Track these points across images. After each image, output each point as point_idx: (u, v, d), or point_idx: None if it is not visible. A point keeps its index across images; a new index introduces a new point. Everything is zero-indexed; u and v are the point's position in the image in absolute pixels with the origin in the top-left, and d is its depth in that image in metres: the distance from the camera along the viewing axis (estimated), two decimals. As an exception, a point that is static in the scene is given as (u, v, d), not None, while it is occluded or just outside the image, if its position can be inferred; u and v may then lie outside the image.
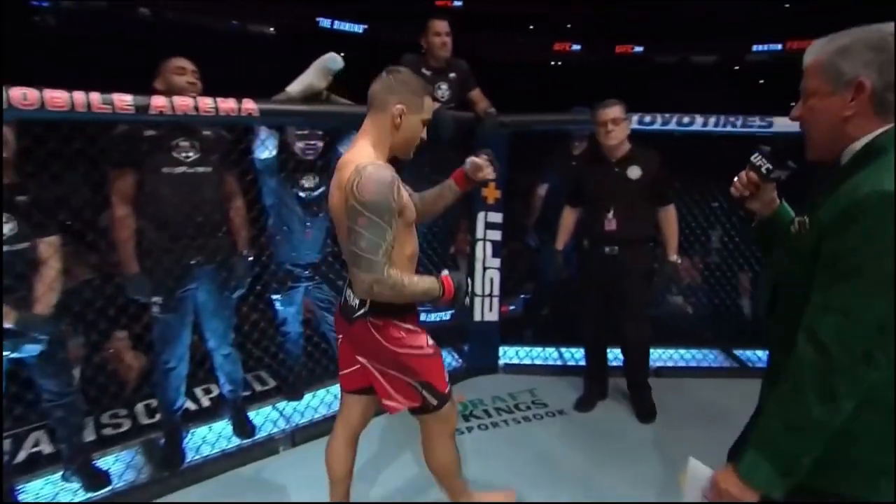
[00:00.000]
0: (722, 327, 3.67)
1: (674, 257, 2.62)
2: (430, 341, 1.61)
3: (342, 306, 1.62)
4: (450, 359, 3.20)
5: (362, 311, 1.51)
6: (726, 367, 3.29)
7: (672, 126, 2.83)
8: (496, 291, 2.96)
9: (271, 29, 20.91)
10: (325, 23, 21.97)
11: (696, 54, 24.11)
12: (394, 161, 1.51)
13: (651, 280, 2.64)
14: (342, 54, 2.27)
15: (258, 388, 2.92)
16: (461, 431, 2.57)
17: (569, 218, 2.79)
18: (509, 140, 2.83)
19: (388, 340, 1.51)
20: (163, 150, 2.09)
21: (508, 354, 3.28)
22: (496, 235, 2.93)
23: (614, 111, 2.47)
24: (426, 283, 1.46)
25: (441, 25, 2.81)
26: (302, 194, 2.50)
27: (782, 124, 2.90)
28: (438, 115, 2.45)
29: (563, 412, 2.75)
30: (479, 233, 2.91)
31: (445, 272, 1.51)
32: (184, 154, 2.14)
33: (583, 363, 2.96)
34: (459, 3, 26.37)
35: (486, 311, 2.99)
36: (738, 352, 3.40)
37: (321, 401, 2.75)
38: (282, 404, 2.75)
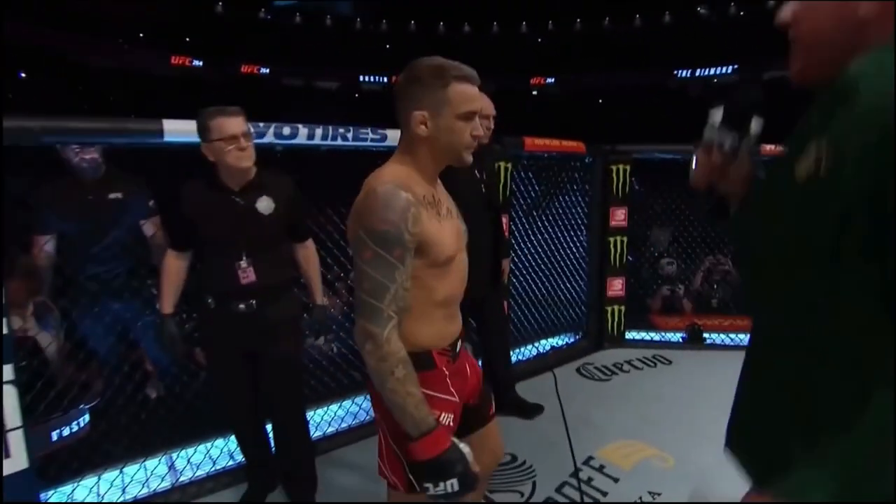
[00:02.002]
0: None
1: (321, 300, 2.15)
2: (449, 418, 1.21)
3: None
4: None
5: None
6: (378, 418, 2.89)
7: (269, 138, 2.17)
8: (15, 422, 1.72)
9: None
10: None
11: (320, 80, 25.64)
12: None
13: (300, 332, 2.11)
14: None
15: None
16: None
17: (175, 267, 1.94)
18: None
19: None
20: None
21: (82, 492, 2.12)
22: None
23: (242, 122, 1.78)
24: (422, 408, 1.08)
25: None
26: None
27: (394, 137, 2.66)
28: None
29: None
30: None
31: (454, 440, 1.11)
32: None
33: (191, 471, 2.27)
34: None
35: (3, 459, 1.72)
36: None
37: None
38: None
